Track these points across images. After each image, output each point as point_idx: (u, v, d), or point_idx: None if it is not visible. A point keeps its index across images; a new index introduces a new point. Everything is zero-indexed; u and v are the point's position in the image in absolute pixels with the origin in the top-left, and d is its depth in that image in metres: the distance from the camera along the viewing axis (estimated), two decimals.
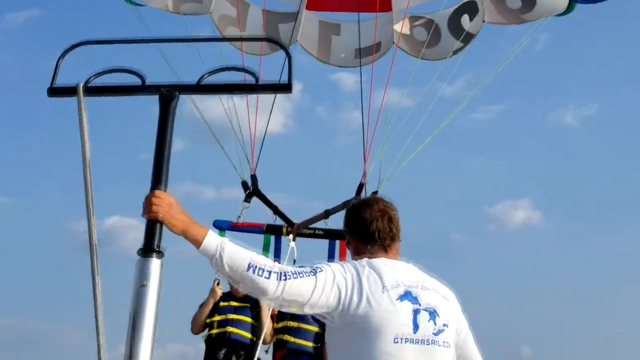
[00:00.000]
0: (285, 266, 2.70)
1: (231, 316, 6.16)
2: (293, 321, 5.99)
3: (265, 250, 6.34)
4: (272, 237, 6.50)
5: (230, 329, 6.10)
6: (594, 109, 18.27)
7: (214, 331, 6.18)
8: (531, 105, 19.70)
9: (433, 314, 2.75)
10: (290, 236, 6.03)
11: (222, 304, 6.25)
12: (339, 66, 7.34)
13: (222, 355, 6.08)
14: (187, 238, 2.47)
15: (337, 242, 6.22)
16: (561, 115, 19.21)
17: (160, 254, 2.16)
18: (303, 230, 6.33)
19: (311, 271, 2.68)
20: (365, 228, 2.96)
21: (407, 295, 2.72)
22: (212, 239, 2.52)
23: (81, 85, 2.35)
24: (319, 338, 5.98)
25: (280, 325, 6.08)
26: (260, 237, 6.54)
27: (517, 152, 19.20)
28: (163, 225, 2.30)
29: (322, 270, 2.70)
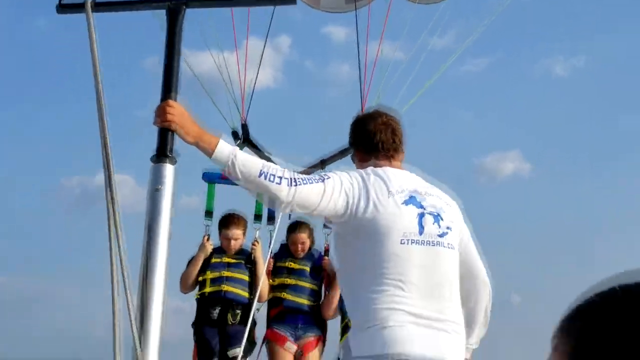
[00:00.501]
0: (294, 173, 2.74)
1: (225, 273, 5.68)
2: (290, 278, 5.64)
3: (258, 203, 5.69)
4: None
5: (225, 287, 5.60)
6: (583, 60, 18.24)
7: (207, 289, 5.65)
8: (519, 56, 19.65)
9: (437, 217, 2.85)
10: None
11: (213, 260, 5.73)
12: (329, 11, 6.90)
13: (216, 315, 5.60)
14: (200, 147, 2.51)
15: None
16: (550, 66, 19.18)
17: (173, 160, 2.16)
18: None
19: (319, 179, 2.74)
20: (369, 139, 3.03)
21: (411, 200, 2.81)
22: (225, 147, 2.57)
23: (89, 0, 2.31)
24: (316, 295, 5.69)
25: (276, 282, 5.72)
26: None
27: (507, 103, 19.19)
28: (175, 134, 2.32)
29: (329, 178, 2.76)
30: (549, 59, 19.26)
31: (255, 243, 5.70)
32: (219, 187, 6.08)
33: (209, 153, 2.55)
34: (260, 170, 2.62)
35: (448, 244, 2.87)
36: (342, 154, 5.37)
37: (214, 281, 5.65)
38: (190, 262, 5.71)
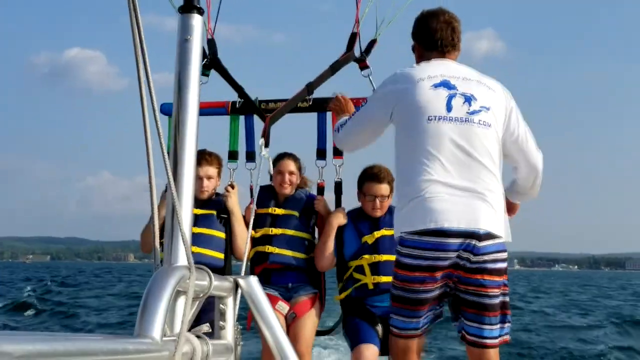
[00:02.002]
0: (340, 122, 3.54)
1: (193, 229, 4.13)
2: (275, 227, 4.55)
3: (233, 135, 4.74)
4: (241, 119, 4.77)
5: (193, 248, 4.20)
6: None
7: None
8: None
9: (469, 98, 3.12)
10: (262, 141, 4.19)
11: None
12: None
13: None
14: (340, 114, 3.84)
15: (327, 114, 4.62)
16: None
17: (200, 10, 2.09)
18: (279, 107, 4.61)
19: (349, 118, 3.44)
20: (430, 36, 3.32)
21: (443, 83, 3.11)
22: (344, 118, 3.58)
23: None
24: (309, 246, 4.62)
25: (258, 233, 4.59)
26: (225, 121, 4.80)
27: None
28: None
29: (358, 111, 3.40)
30: None
31: (229, 188, 4.54)
32: None
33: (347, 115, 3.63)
34: (336, 127, 3.57)
35: (480, 121, 3.12)
36: (332, 70, 4.41)
37: None
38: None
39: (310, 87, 4.40)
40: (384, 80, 3.31)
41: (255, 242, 4.59)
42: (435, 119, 3.05)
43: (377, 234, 4.34)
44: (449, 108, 3.06)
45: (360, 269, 4.31)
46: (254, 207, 4.02)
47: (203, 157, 4.47)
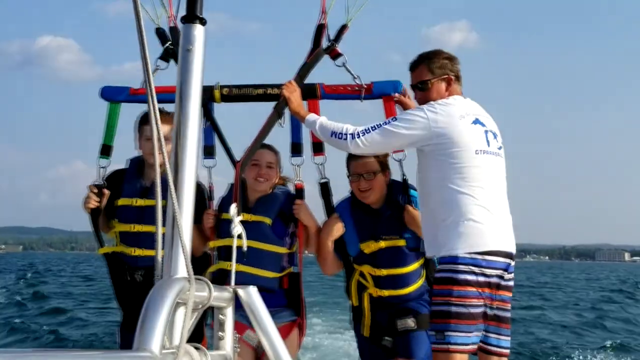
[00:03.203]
0: (358, 127, 3.52)
1: (137, 228, 3.93)
2: (247, 238, 3.25)
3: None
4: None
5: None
6: None
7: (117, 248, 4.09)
8: None
9: (494, 134, 3.52)
10: (234, 208, 3.46)
11: (121, 202, 4.04)
12: None
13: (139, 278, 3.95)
14: (298, 115, 3.81)
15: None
16: None
17: (203, 21, 2.04)
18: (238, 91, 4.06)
19: (385, 122, 3.51)
20: (455, 74, 3.67)
21: (477, 121, 3.45)
22: (312, 116, 3.74)
23: None
24: (287, 259, 3.96)
25: (220, 242, 3.86)
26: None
27: None
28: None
29: (396, 119, 3.51)
30: None
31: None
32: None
33: (302, 119, 3.79)
34: (331, 132, 3.57)
35: (502, 154, 3.55)
36: (299, 81, 3.92)
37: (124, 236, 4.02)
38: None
39: (279, 108, 3.86)
40: (425, 107, 3.48)
41: (218, 255, 3.92)
42: (481, 153, 3.40)
43: (375, 246, 3.88)
44: (487, 143, 3.44)
45: (363, 276, 3.97)
46: (212, 210, 3.85)
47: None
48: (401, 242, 3.86)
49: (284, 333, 3.66)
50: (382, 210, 3.93)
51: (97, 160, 4.05)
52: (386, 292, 3.90)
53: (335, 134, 3.53)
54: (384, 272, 3.88)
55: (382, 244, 3.88)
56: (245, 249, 3.03)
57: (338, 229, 3.95)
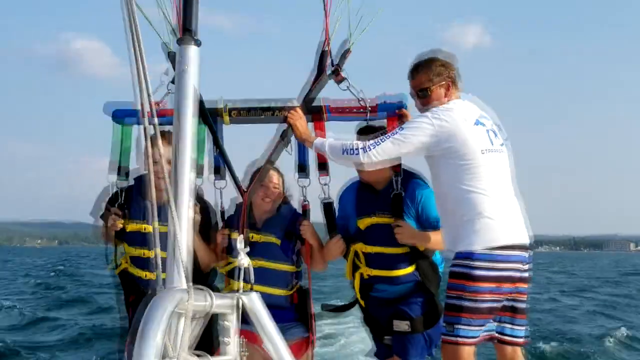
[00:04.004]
0: (367, 142, 3.47)
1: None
2: (252, 257, 3.03)
3: (199, 151, 3.72)
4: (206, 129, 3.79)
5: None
6: None
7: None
8: None
9: (495, 132, 3.54)
10: (241, 240, 2.84)
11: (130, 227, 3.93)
12: None
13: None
14: (305, 141, 3.73)
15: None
16: None
17: (198, 42, 2.04)
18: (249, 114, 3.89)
19: (396, 131, 3.49)
20: (453, 79, 3.65)
21: (477, 122, 3.48)
22: (318, 140, 3.67)
23: None
24: (295, 277, 3.98)
25: (228, 267, 3.87)
26: None
27: None
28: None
29: (403, 129, 3.48)
30: None
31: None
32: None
33: (310, 145, 3.71)
34: (342, 149, 3.52)
35: (505, 149, 3.56)
36: (305, 111, 3.80)
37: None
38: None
39: (285, 134, 3.76)
40: (428, 115, 3.48)
41: (227, 273, 3.88)
42: (486, 152, 3.43)
43: (368, 221, 3.89)
44: (491, 142, 3.47)
45: (357, 256, 3.96)
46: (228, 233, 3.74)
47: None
48: (392, 221, 3.81)
49: (297, 351, 3.67)
50: (383, 191, 3.90)
51: (116, 182, 3.90)
52: (375, 272, 3.88)
53: (347, 151, 3.51)
54: (374, 248, 3.87)
55: (375, 219, 3.85)
56: (252, 280, 2.77)
57: (338, 249, 3.95)
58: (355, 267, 3.99)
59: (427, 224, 3.82)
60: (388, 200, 3.83)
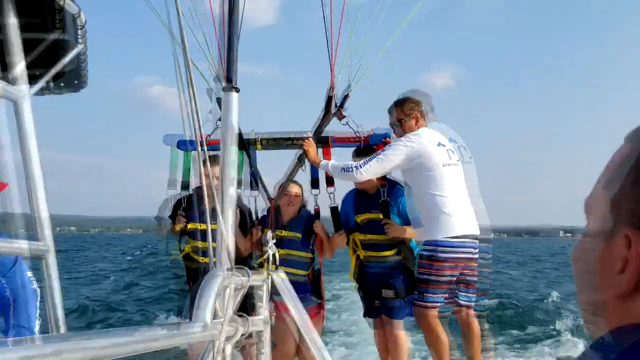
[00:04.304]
0: (360, 162, 3.53)
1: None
2: (280, 249, 3.57)
3: (239, 169, 3.54)
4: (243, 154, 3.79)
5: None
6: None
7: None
8: None
9: (453, 151, 3.59)
10: (269, 235, 3.30)
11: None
12: None
13: None
14: (314, 163, 3.72)
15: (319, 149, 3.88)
16: None
17: (237, 89, 2.05)
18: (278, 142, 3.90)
19: (378, 154, 3.52)
20: (421, 112, 3.70)
21: (439, 144, 3.53)
22: (324, 162, 3.70)
23: None
24: (310, 263, 4.03)
25: (261, 259, 3.69)
26: None
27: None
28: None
29: (384, 150, 3.52)
30: None
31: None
32: None
33: (318, 165, 3.73)
34: (341, 168, 3.59)
35: (461, 164, 3.62)
36: (315, 139, 3.80)
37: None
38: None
39: (301, 157, 3.78)
40: (406, 141, 3.52)
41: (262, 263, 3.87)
42: (446, 166, 3.46)
43: (364, 217, 3.89)
44: (449, 158, 3.50)
45: (355, 243, 4.01)
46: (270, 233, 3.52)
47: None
48: (380, 216, 3.88)
49: (311, 315, 3.61)
50: (374, 195, 3.95)
51: (180, 192, 3.94)
52: (368, 254, 3.94)
53: (344, 170, 3.58)
54: (367, 237, 3.90)
55: (368, 215, 3.92)
56: (277, 262, 3.01)
57: (342, 241, 4.00)
58: (354, 251, 4.05)
59: (405, 219, 3.85)
60: (378, 201, 3.89)
